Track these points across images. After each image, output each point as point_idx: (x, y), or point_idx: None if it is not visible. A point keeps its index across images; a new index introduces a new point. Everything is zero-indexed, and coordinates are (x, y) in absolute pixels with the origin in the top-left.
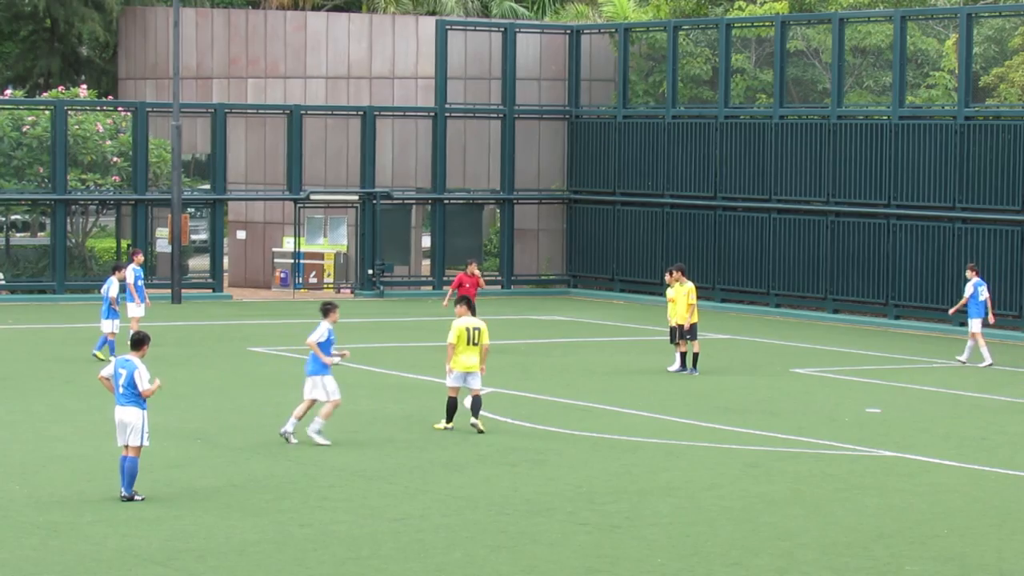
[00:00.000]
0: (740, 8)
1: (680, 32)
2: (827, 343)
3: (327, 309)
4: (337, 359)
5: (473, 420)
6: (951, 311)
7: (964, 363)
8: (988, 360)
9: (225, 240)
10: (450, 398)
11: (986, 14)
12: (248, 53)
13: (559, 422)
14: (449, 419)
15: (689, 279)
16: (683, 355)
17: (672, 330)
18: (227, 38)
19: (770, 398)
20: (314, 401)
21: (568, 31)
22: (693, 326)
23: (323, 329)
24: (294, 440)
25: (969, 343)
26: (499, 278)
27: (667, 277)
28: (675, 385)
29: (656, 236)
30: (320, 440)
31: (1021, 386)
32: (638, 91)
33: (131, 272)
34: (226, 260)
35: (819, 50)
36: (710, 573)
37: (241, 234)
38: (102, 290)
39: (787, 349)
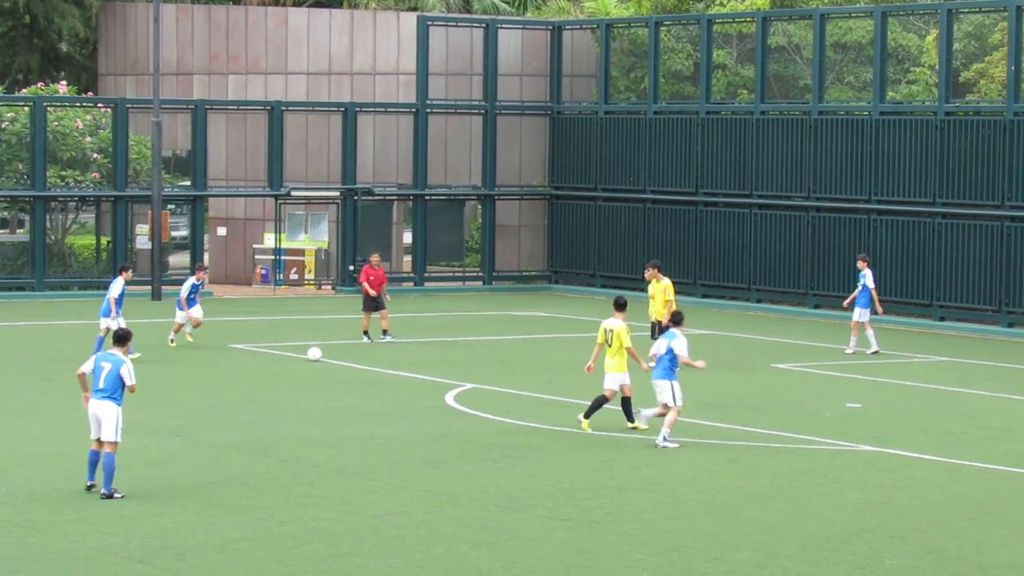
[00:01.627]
0: (721, 4)
1: (661, 28)
2: (808, 338)
3: (678, 319)
4: (701, 364)
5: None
6: (845, 303)
7: (852, 352)
8: (874, 347)
9: (205, 236)
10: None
11: (966, 10)
12: (229, 49)
13: (540, 418)
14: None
15: (666, 275)
16: None
17: (652, 326)
18: (208, 34)
19: (751, 393)
20: (665, 405)
21: (550, 27)
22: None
23: (683, 340)
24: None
25: (858, 333)
26: (480, 274)
27: (646, 273)
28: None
29: (637, 232)
30: (669, 445)
31: (1000, 380)
32: (619, 87)
33: (187, 286)
34: (207, 256)
35: (800, 46)
36: (690, 568)
37: (222, 230)
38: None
39: (768, 344)
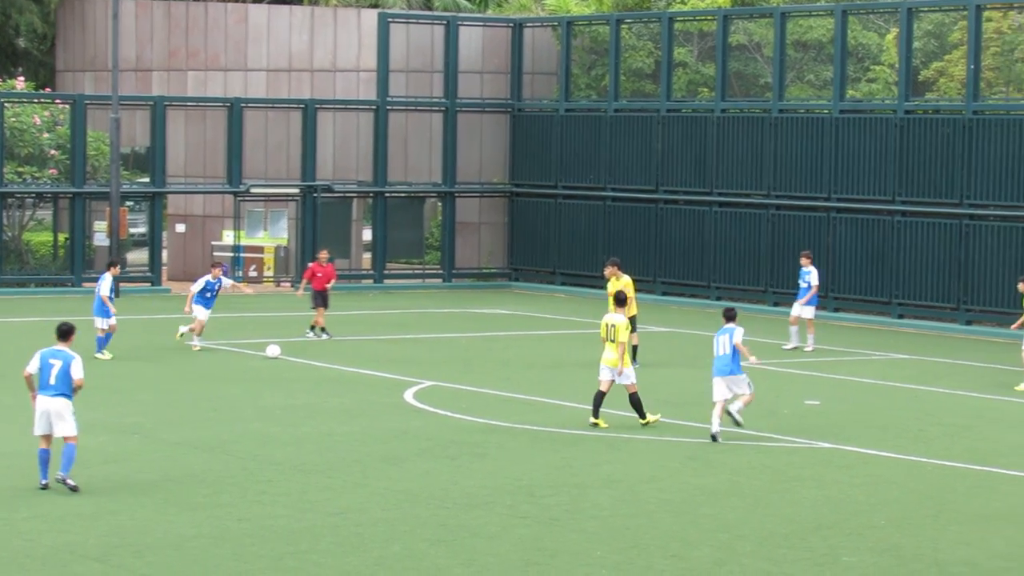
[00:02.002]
0: (683, 2)
1: (623, 26)
2: (767, 336)
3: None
4: (753, 359)
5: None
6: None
7: (793, 348)
8: (795, 343)
9: (164, 234)
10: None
11: (926, 8)
12: (188, 45)
13: (500, 415)
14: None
15: (626, 272)
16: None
17: None
18: (167, 30)
19: (710, 391)
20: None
21: (511, 24)
22: (632, 319)
23: (740, 332)
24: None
25: (794, 328)
26: (440, 271)
27: (605, 271)
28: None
29: (598, 229)
30: (738, 418)
31: (958, 377)
32: (580, 84)
33: (200, 284)
34: (165, 254)
35: (761, 44)
36: (649, 565)
37: (180, 227)
38: (96, 286)
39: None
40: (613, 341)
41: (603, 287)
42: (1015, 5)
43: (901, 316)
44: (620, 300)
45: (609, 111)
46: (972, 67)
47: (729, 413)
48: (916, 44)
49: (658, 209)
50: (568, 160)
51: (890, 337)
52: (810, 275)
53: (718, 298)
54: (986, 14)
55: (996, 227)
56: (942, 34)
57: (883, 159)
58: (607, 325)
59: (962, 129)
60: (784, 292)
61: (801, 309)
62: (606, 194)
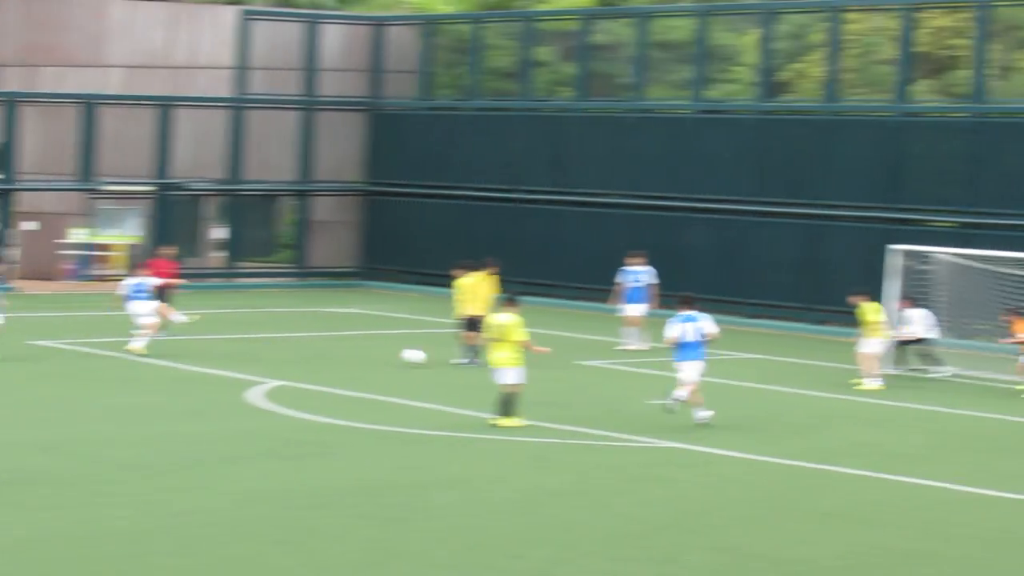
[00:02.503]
0: (545, 1)
1: (485, 25)
2: (618, 336)
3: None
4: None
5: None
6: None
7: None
8: (638, 345)
9: (12, 231)
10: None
11: (786, 10)
12: (45, 40)
13: (347, 415)
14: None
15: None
16: (473, 347)
17: (466, 321)
18: (23, 25)
19: (557, 390)
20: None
21: (373, 23)
22: (478, 319)
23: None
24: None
25: (632, 329)
26: (294, 270)
27: (473, 272)
28: (463, 377)
29: (455, 228)
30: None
31: (804, 377)
32: (441, 83)
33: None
34: (15, 251)
35: (623, 44)
36: (491, 565)
37: (31, 225)
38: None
39: (577, 341)
40: (503, 341)
41: (445, 287)
42: (875, 8)
43: (753, 316)
44: (510, 300)
45: (470, 110)
46: (831, 69)
47: (670, 400)
48: (776, 45)
49: (516, 209)
50: (427, 159)
51: (741, 337)
52: (645, 275)
53: (575, 298)
54: (846, 16)
55: (850, 228)
56: (802, 35)
57: (741, 159)
58: (497, 325)
59: (819, 130)
60: None
61: (640, 309)
62: (464, 193)
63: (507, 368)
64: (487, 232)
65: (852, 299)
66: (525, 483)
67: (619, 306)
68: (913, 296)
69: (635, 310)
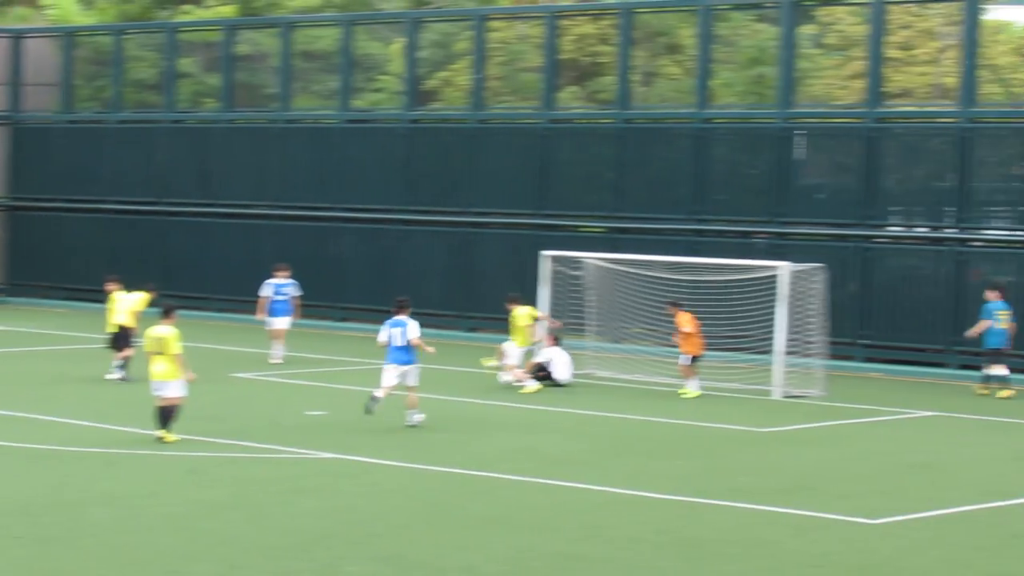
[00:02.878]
0: (187, 12)
1: (126, 36)
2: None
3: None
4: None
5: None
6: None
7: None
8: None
9: None
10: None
11: (432, 19)
12: None
13: None
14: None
15: (126, 286)
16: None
17: (113, 336)
18: None
19: (211, 403)
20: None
21: (10, 35)
22: (130, 331)
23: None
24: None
25: (278, 342)
26: None
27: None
28: (114, 393)
29: (102, 242)
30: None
31: (460, 384)
32: (83, 96)
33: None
34: None
35: (268, 54)
36: None
37: None
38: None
39: (231, 354)
40: (163, 354)
41: (95, 302)
42: (519, 16)
43: None
44: (167, 311)
45: (112, 122)
46: (477, 77)
47: (370, 400)
48: (422, 54)
49: (162, 221)
50: (71, 173)
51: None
52: (289, 287)
53: (222, 310)
54: (491, 24)
55: (500, 235)
56: (448, 44)
57: (390, 169)
58: (155, 338)
59: (467, 138)
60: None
61: (284, 321)
62: (109, 207)
63: (167, 381)
64: (135, 245)
65: (508, 304)
66: (182, 498)
67: (264, 319)
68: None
69: (280, 323)
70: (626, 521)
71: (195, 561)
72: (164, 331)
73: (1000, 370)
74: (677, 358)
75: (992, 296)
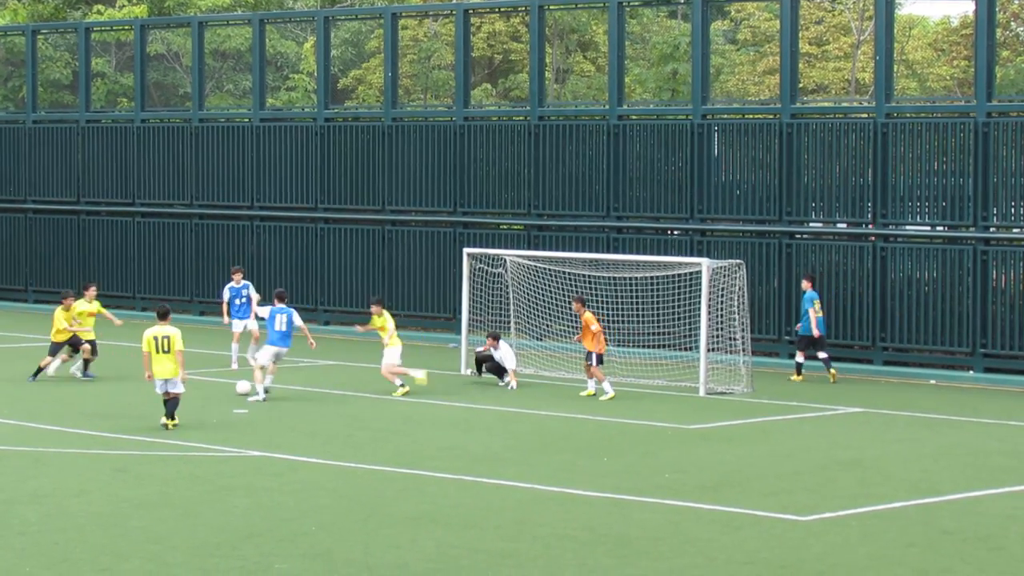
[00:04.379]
0: (99, 12)
1: (39, 36)
2: (199, 346)
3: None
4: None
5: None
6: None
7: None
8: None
9: None
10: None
11: (343, 17)
12: None
13: None
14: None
15: (48, 287)
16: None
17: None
18: None
19: (137, 403)
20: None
21: None
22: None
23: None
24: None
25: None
26: None
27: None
28: (40, 393)
29: (20, 242)
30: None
31: (385, 382)
32: None
33: (228, 291)
34: None
35: (180, 54)
36: None
37: None
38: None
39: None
40: (168, 352)
41: (27, 300)
42: (430, 13)
43: (327, 323)
44: (164, 313)
45: (28, 123)
46: (389, 74)
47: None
48: (334, 52)
49: (80, 221)
50: None
51: (318, 343)
52: (247, 288)
53: (143, 309)
54: (402, 22)
55: (418, 232)
56: (360, 42)
57: (305, 167)
58: (159, 337)
59: (382, 136)
60: (209, 302)
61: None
62: (27, 206)
63: (173, 379)
64: (53, 245)
65: (373, 308)
66: (110, 496)
67: (228, 322)
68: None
69: (239, 326)
70: (553, 518)
71: (125, 559)
72: (170, 331)
73: (821, 355)
74: (591, 359)
75: (807, 286)
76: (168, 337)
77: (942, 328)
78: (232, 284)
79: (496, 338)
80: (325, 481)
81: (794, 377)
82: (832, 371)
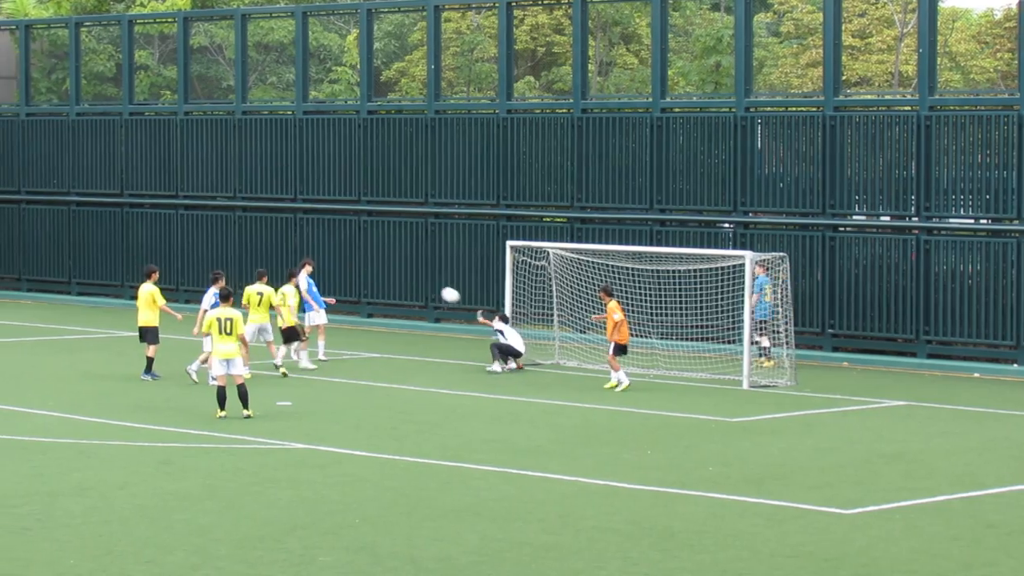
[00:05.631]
0: (143, 5)
1: (82, 29)
2: None
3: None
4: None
5: (245, 412)
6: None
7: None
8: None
9: None
10: (219, 387)
11: (386, 10)
12: None
13: None
14: (221, 407)
15: (90, 276)
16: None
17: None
18: None
19: (180, 395)
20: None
21: None
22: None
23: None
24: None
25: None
26: None
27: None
28: (85, 385)
29: (63, 235)
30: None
31: (429, 375)
32: (41, 88)
33: (304, 280)
34: None
35: (223, 46)
36: (123, 572)
37: None
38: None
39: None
40: (229, 334)
41: (70, 292)
42: (473, 6)
43: (370, 315)
44: (225, 296)
45: (71, 115)
46: (432, 67)
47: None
48: (377, 45)
49: (124, 213)
50: (31, 165)
51: (361, 336)
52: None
53: (187, 301)
54: (445, 15)
55: (462, 225)
56: (403, 35)
57: (348, 159)
58: (223, 319)
59: (425, 128)
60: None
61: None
62: (70, 199)
63: (235, 359)
64: (96, 237)
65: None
66: (153, 488)
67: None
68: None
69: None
70: (597, 511)
71: (169, 552)
72: (233, 313)
73: (764, 341)
74: (609, 348)
75: (760, 271)
76: (231, 319)
77: (986, 321)
78: (215, 289)
79: (504, 319)
80: (369, 474)
81: (765, 363)
82: (771, 361)
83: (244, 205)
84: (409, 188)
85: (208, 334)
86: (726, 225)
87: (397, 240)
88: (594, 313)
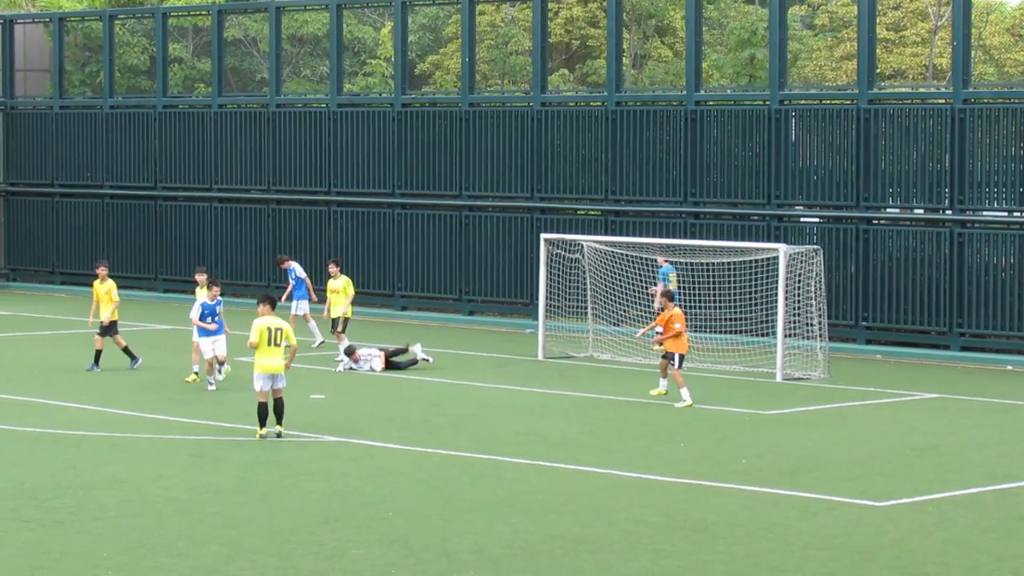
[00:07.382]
0: None
1: (116, 21)
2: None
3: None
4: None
5: (277, 428)
6: (283, 298)
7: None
8: (319, 339)
9: None
10: (260, 403)
11: (420, 2)
12: None
13: (0, 418)
14: (262, 425)
15: (124, 270)
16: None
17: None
18: None
19: (211, 392)
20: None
21: (1, 21)
22: (113, 323)
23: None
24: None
25: (310, 325)
26: None
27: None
28: (118, 378)
29: (97, 227)
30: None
31: (462, 368)
32: (75, 81)
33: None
34: None
35: (257, 39)
36: (156, 565)
37: None
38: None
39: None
40: (278, 345)
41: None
42: None
43: (404, 308)
44: (272, 301)
45: (105, 108)
46: (467, 60)
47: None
48: (412, 38)
49: (157, 206)
50: (65, 158)
51: (395, 329)
52: (295, 271)
53: (222, 295)
54: (479, 8)
55: (495, 217)
56: (437, 28)
57: (382, 152)
58: (271, 329)
59: (459, 121)
60: (283, 286)
61: (298, 305)
62: (104, 192)
63: (281, 375)
64: (130, 230)
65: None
66: (186, 481)
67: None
68: None
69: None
70: (630, 504)
71: (202, 544)
72: (282, 323)
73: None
74: (674, 360)
75: (662, 261)
76: (281, 330)
77: (1019, 314)
78: (206, 300)
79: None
80: (402, 467)
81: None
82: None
83: (278, 198)
84: (443, 181)
85: (208, 335)
86: (812, 219)
87: (431, 233)
88: (626, 305)
